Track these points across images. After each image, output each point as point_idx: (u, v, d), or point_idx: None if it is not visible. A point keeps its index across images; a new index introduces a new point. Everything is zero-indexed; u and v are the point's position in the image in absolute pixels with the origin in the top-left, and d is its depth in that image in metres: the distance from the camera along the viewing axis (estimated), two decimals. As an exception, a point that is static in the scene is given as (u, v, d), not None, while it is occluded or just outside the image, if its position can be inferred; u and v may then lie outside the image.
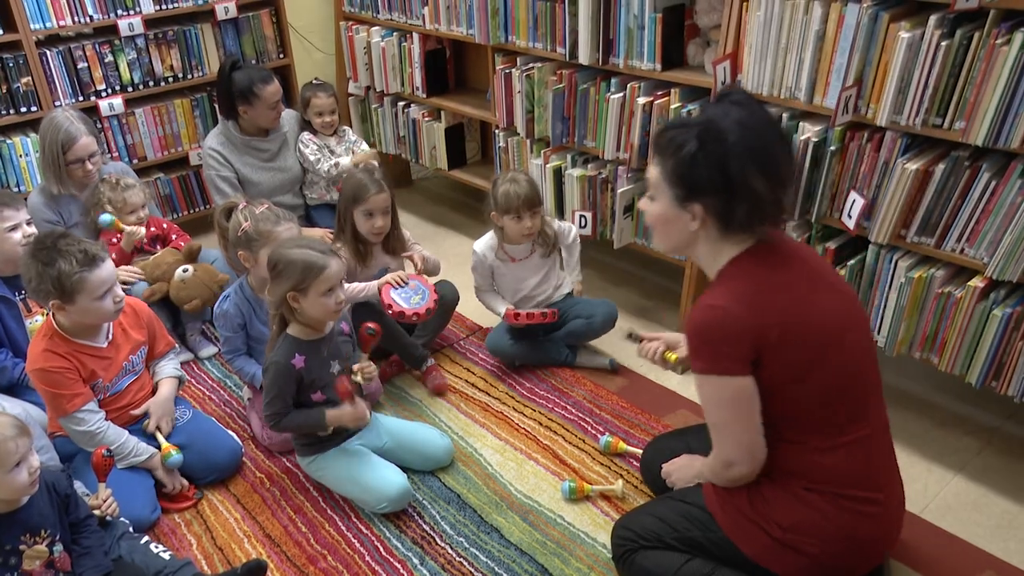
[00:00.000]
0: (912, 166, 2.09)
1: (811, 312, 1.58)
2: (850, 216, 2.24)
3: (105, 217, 2.82)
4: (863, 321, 1.70)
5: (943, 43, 1.96)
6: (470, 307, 2.99)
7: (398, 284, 2.67)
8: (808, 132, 2.29)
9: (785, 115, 2.35)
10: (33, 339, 2.21)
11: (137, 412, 2.33)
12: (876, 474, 1.67)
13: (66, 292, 2.09)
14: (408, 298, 2.65)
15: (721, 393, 1.60)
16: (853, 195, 2.23)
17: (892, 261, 2.24)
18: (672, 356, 2.03)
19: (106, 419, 2.22)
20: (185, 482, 2.32)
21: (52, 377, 2.13)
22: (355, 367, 2.26)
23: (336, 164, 3.32)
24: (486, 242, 2.78)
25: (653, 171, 1.63)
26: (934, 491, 2.22)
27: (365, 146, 3.50)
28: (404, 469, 2.31)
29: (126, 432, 2.24)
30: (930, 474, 2.27)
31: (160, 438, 2.32)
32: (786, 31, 2.25)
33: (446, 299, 2.82)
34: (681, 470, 1.92)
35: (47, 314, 2.59)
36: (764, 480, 1.68)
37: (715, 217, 1.57)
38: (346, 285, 2.63)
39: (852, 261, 2.32)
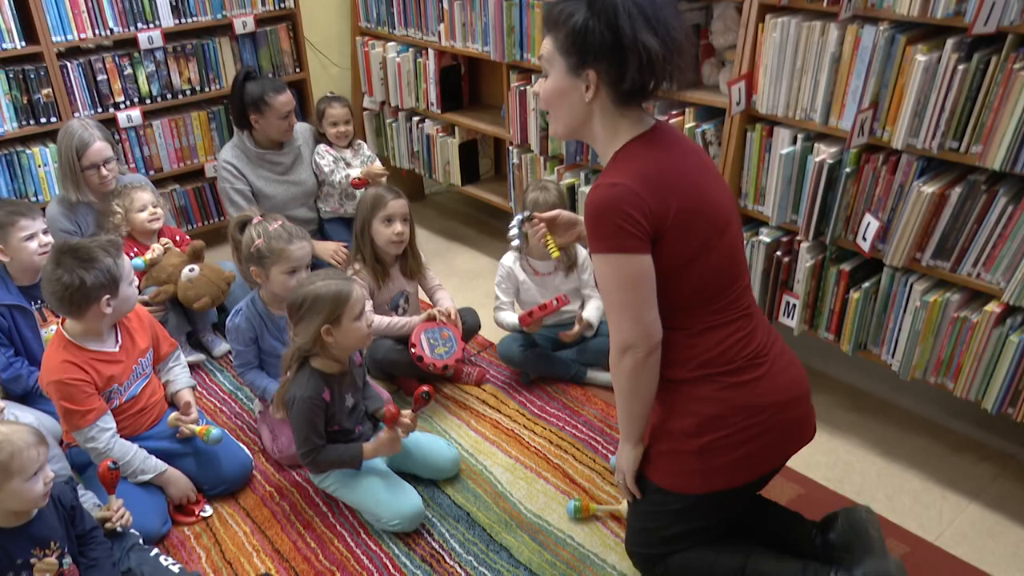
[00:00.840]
0: (928, 189, 2.08)
1: (704, 198, 1.61)
2: (865, 238, 2.23)
3: (137, 261, 2.82)
4: (739, 215, 1.75)
5: (960, 67, 1.95)
6: (483, 320, 2.99)
7: (435, 323, 2.69)
8: (823, 154, 2.28)
9: (800, 136, 2.35)
10: (48, 351, 2.23)
11: (181, 421, 2.36)
12: (762, 348, 1.69)
13: (79, 306, 2.14)
14: (434, 347, 2.66)
15: (622, 271, 1.57)
16: (868, 217, 2.22)
17: (907, 284, 2.22)
18: (555, 252, 2.05)
19: (117, 432, 2.23)
20: (195, 496, 2.32)
21: (68, 390, 2.13)
22: (404, 414, 2.27)
23: (348, 176, 3.34)
24: (513, 254, 2.82)
25: (547, 46, 1.61)
26: (949, 518, 2.19)
27: (379, 163, 3.51)
28: (412, 479, 2.32)
29: (134, 448, 2.24)
30: (945, 501, 2.24)
31: (194, 428, 2.33)
32: (802, 53, 2.25)
33: (467, 324, 2.84)
34: (621, 457, 1.83)
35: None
36: (657, 407, 1.71)
37: (608, 81, 1.56)
38: (385, 319, 2.69)
39: (867, 284, 2.31)
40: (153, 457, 2.27)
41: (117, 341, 2.29)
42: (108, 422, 2.20)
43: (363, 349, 2.41)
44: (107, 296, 2.16)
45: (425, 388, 2.23)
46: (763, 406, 1.67)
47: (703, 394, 1.67)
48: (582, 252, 2.82)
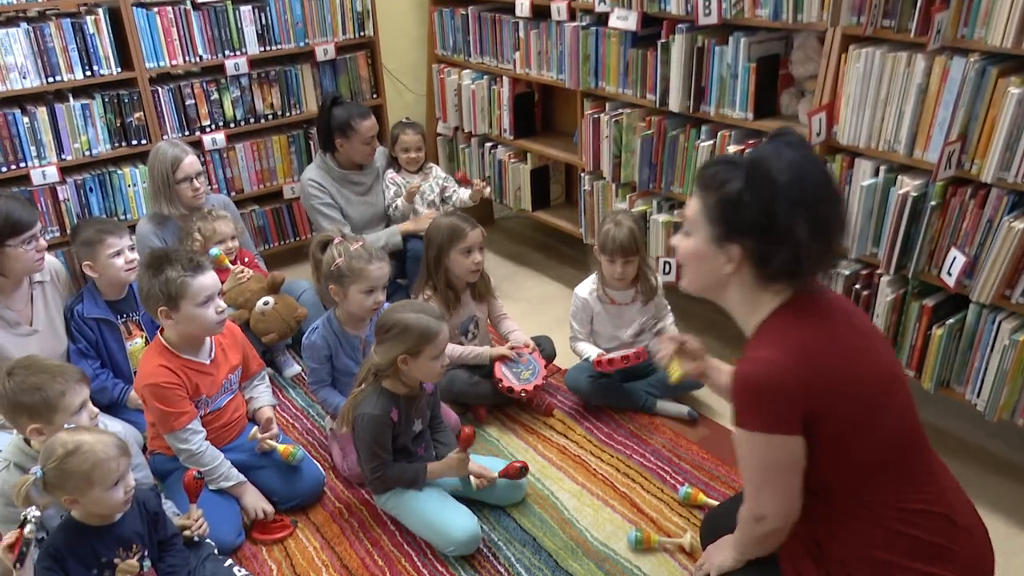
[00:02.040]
0: (1019, 225, 2.02)
1: (863, 368, 1.49)
2: (950, 273, 2.17)
3: (213, 250, 2.95)
4: (904, 376, 1.60)
5: (1055, 99, 1.90)
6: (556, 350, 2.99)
7: (510, 359, 2.75)
8: (907, 186, 2.24)
9: (883, 168, 2.31)
10: (144, 355, 2.33)
11: (260, 437, 2.42)
12: (948, 529, 1.53)
13: (172, 297, 2.22)
14: (518, 373, 2.71)
15: (767, 452, 1.48)
16: (954, 252, 2.16)
17: (995, 322, 2.15)
18: (676, 373, 1.86)
19: (206, 439, 2.30)
20: (270, 509, 2.36)
21: (164, 393, 2.23)
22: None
23: (395, 207, 3.43)
24: (588, 285, 2.81)
25: (693, 205, 1.54)
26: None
27: (456, 188, 3.57)
28: (478, 503, 2.32)
29: (222, 455, 2.32)
30: (1015, 538, 2.15)
31: (275, 444, 2.41)
32: (886, 83, 2.21)
33: (544, 353, 2.87)
34: (719, 552, 1.73)
35: (146, 338, 2.73)
36: (857, 563, 1.54)
37: (752, 261, 1.48)
38: (457, 349, 2.75)
39: (951, 320, 2.24)
40: (235, 468, 2.33)
41: (211, 354, 2.37)
42: (198, 426, 2.28)
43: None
44: (163, 308, 2.24)
45: (520, 464, 2.31)
46: (976, 563, 1.55)
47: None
48: (659, 280, 2.82)
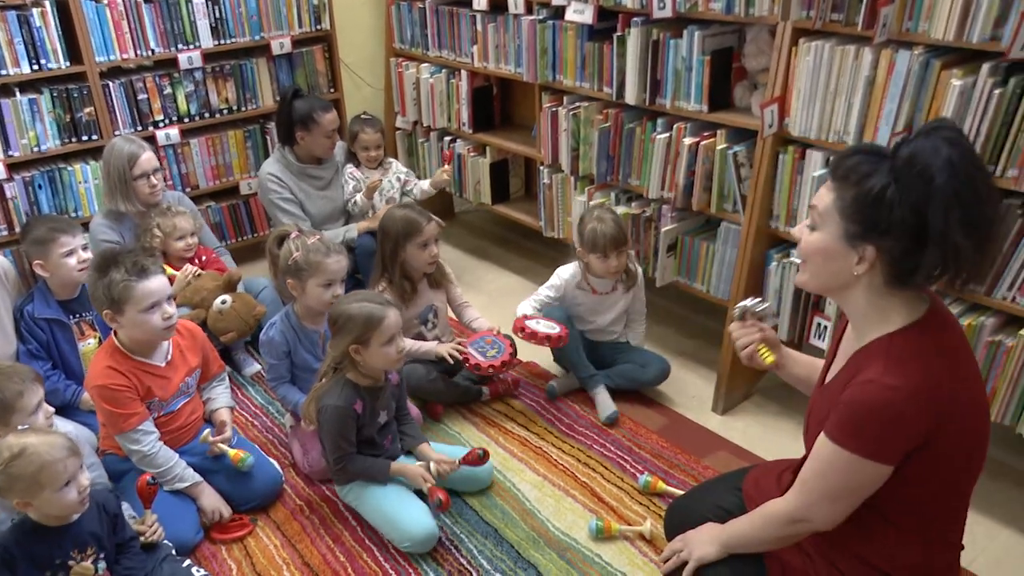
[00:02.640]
0: (963, 213, 2.07)
1: (979, 406, 1.45)
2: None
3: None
4: (989, 420, 1.54)
5: (996, 91, 1.95)
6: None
7: (477, 334, 2.77)
8: (856, 176, 2.28)
9: (833, 159, 2.35)
10: (95, 356, 2.28)
11: (212, 440, 2.37)
12: (956, 556, 1.59)
13: (115, 300, 2.15)
14: (484, 351, 2.71)
15: (855, 473, 1.42)
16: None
17: (941, 307, 2.21)
18: (769, 358, 1.75)
19: (160, 439, 2.27)
20: (228, 510, 2.33)
21: (111, 394, 2.18)
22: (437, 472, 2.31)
23: (355, 203, 3.40)
24: (571, 271, 2.83)
25: (826, 197, 1.43)
26: (983, 544, 2.17)
27: (417, 181, 3.56)
28: (449, 491, 2.34)
29: (176, 456, 2.28)
30: (978, 526, 2.21)
31: (226, 448, 2.36)
32: (835, 76, 2.26)
33: None
34: (701, 544, 1.69)
35: (99, 338, 2.68)
36: (856, 564, 1.55)
37: (888, 265, 1.38)
38: (407, 343, 2.71)
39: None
40: (190, 468, 2.30)
41: (167, 357, 2.32)
42: (150, 427, 2.25)
43: (399, 369, 2.43)
44: (107, 311, 2.19)
45: (480, 451, 2.31)
46: None
47: None
48: (638, 270, 2.84)
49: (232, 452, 2.35)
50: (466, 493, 2.42)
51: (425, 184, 3.52)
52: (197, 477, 2.30)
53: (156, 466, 2.22)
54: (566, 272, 2.83)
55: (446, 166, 3.56)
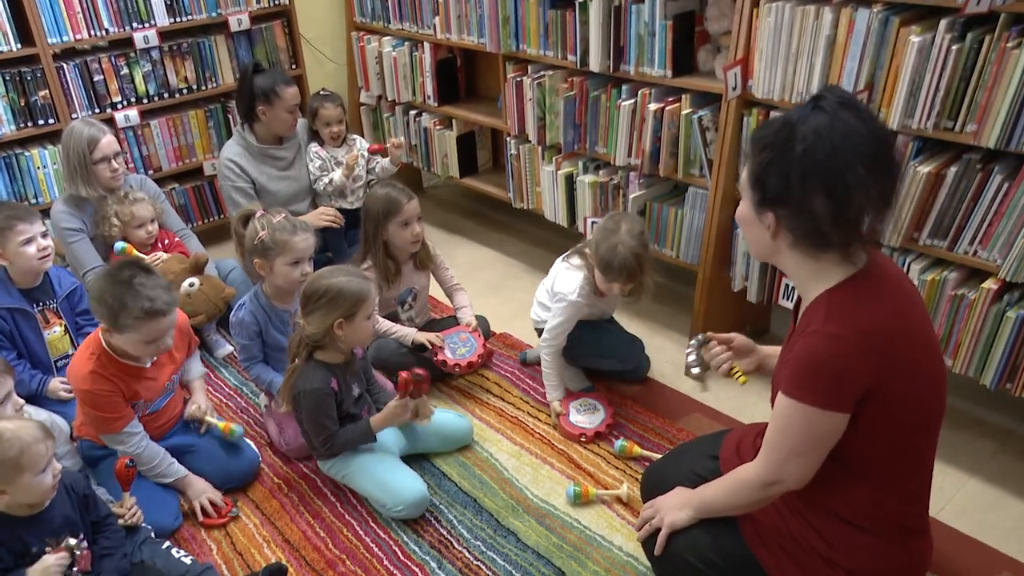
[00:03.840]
0: (924, 169, 2.11)
1: (924, 349, 1.48)
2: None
3: (118, 245, 2.87)
4: (943, 360, 1.58)
5: (954, 47, 1.97)
6: (484, 312, 3.01)
7: (451, 329, 2.76)
8: (819, 136, 2.30)
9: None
10: (78, 355, 2.23)
11: (199, 416, 2.43)
12: (925, 507, 1.64)
13: (118, 325, 2.11)
14: (455, 348, 2.71)
15: (813, 425, 1.45)
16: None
17: (905, 264, 2.25)
18: (742, 378, 1.82)
19: (145, 436, 2.26)
20: (218, 495, 2.31)
21: (96, 399, 2.16)
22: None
23: (330, 181, 3.35)
24: (577, 286, 2.49)
25: (743, 170, 1.49)
26: (949, 493, 2.22)
27: (379, 159, 3.50)
28: (417, 466, 2.36)
29: (162, 452, 2.28)
30: (945, 476, 2.27)
31: (215, 421, 2.41)
32: (796, 37, 2.26)
33: (482, 332, 2.86)
34: (671, 510, 1.71)
35: (65, 326, 2.64)
36: (827, 519, 1.58)
37: (788, 230, 1.43)
38: (384, 324, 2.73)
39: (865, 264, 2.33)
40: (176, 463, 2.29)
41: (152, 358, 2.28)
42: (136, 427, 2.23)
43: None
44: (103, 326, 2.16)
45: (418, 371, 2.26)
46: (919, 570, 1.63)
47: (879, 549, 1.56)
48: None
49: (222, 424, 2.37)
50: (444, 455, 2.45)
51: (385, 162, 3.47)
52: (182, 471, 2.29)
53: (142, 463, 2.22)
54: (574, 294, 2.48)
55: (393, 139, 3.49)
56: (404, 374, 2.24)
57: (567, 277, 2.53)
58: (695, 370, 1.84)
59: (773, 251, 1.51)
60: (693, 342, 1.86)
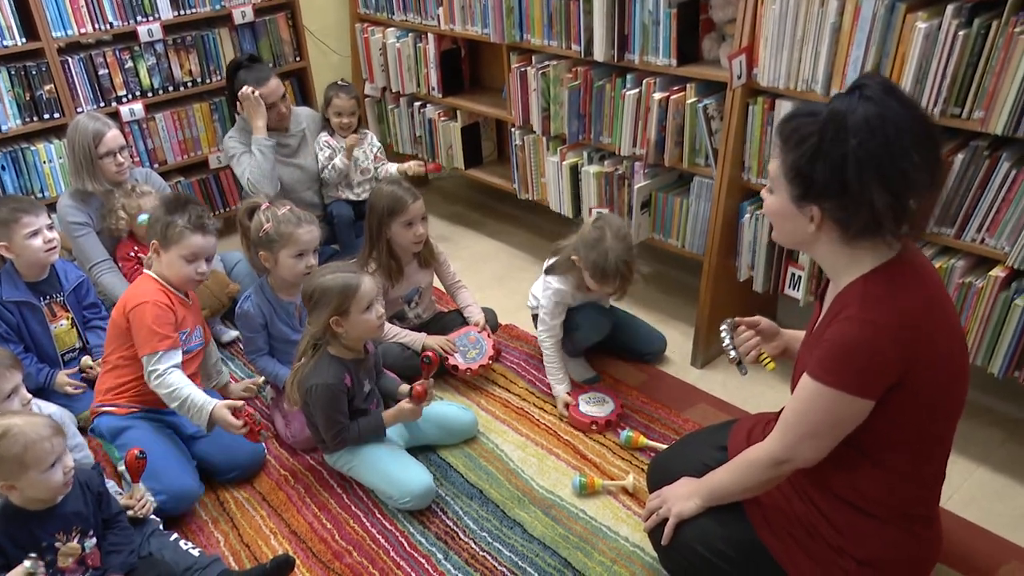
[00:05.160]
0: (931, 156, 2.09)
1: (955, 341, 1.48)
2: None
3: (143, 217, 2.84)
4: (968, 357, 1.60)
5: (960, 33, 1.95)
6: (490, 303, 3.01)
7: (459, 331, 2.77)
8: (825, 124, 2.28)
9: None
10: (135, 282, 2.39)
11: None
12: (936, 496, 1.63)
13: (165, 238, 2.31)
14: (465, 352, 2.72)
15: (837, 409, 1.45)
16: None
17: (912, 252, 2.23)
18: (771, 364, 1.80)
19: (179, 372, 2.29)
20: (240, 403, 2.28)
21: (156, 311, 2.26)
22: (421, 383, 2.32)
23: (333, 167, 3.36)
24: (570, 280, 2.57)
25: (773, 162, 1.48)
26: (957, 482, 2.21)
27: (386, 162, 3.55)
28: (423, 458, 2.37)
29: (191, 390, 2.24)
30: (953, 465, 2.22)
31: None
32: (802, 24, 2.24)
33: (488, 324, 2.87)
34: (679, 500, 1.72)
35: (71, 319, 2.65)
36: (837, 504, 1.58)
37: (834, 222, 1.43)
38: (393, 330, 2.73)
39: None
40: (204, 394, 2.26)
41: (188, 297, 2.44)
42: (177, 356, 2.30)
43: (376, 340, 2.43)
44: (156, 242, 2.36)
45: (428, 354, 2.33)
46: (928, 560, 1.65)
47: (889, 537, 1.57)
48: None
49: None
50: (450, 447, 2.46)
51: (393, 168, 3.46)
52: (209, 403, 2.23)
53: (173, 400, 2.23)
54: (566, 284, 2.57)
55: (420, 162, 3.56)
56: (418, 387, 2.26)
57: (553, 280, 2.60)
58: (733, 352, 1.82)
59: (812, 242, 1.49)
60: (724, 328, 1.84)
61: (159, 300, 2.28)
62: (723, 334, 1.84)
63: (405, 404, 2.29)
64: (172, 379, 2.24)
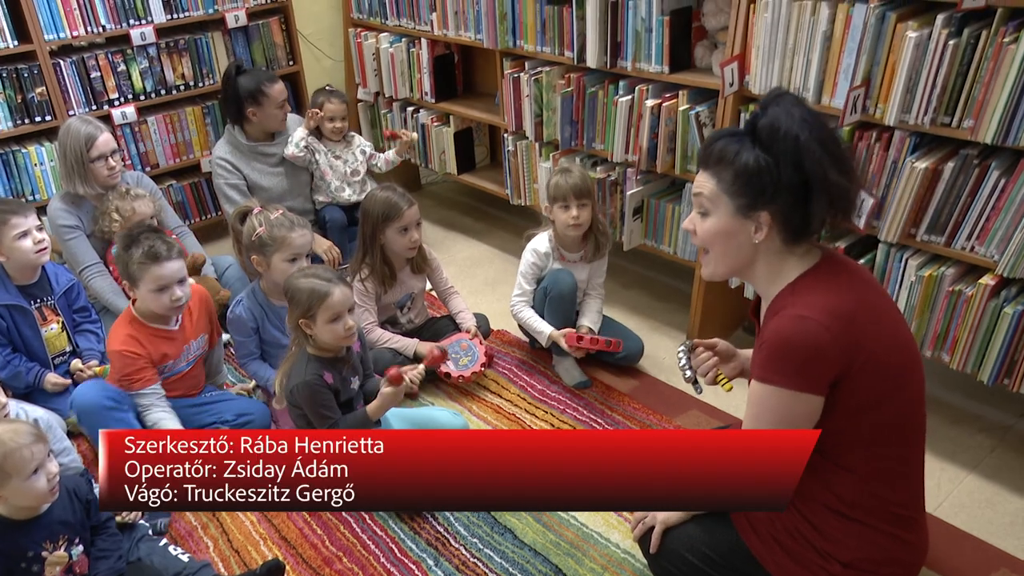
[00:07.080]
0: (921, 165, 2.10)
1: (895, 338, 1.52)
2: (859, 216, 2.25)
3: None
4: (920, 357, 1.62)
5: (951, 42, 1.97)
6: (482, 309, 3.01)
7: (450, 338, 2.76)
8: (817, 132, 2.29)
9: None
10: (117, 323, 2.41)
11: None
12: (917, 497, 1.64)
13: (131, 277, 2.31)
14: (457, 359, 2.71)
15: (788, 409, 1.48)
16: (862, 194, 2.24)
17: (902, 260, 2.24)
18: (727, 385, 1.82)
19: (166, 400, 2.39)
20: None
21: (124, 359, 2.33)
22: (404, 369, 2.30)
23: (385, 160, 3.48)
24: (545, 238, 2.74)
25: (706, 185, 1.53)
26: (947, 489, 2.22)
27: (379, 155, 3.53)
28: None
29: (172, 423, 2.36)
30: (943, 472, 2.27)
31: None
32: (793, 32, 2.26)
33: (480, 330, 2.86)
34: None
35: (62, 323, 2.65)
36: (820, 510, 1.59)
37: (783, 223, 1.49)
38: (385, 336, 2.72)
39: (862, 261, 2.33)
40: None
41: (177, 321, 2.44)
42: (157, 389, 2.38)
43: (369, 345, 2.43)
44: (126, 283, 2.39)
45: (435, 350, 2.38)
46: (914, 563, 1.65)
47: (872, 540, 1.58)
48: (607, 241, 2.77)
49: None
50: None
51: (390, 154, 3.48)
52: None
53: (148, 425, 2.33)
54: (540, 244, 2.74)
55: (404, 130, 3.54)
56: (392, 371, 2.22)
57: (536, 240, 2.77)
58: (688, 372, 1.86)
59: (750, 258, 1.56)
60: (681, 348, 1.88)
61: (125, 349, 2.32)
62: (680, 355, 1.88)
63: (385, 389, 2.25)
64: (154, 416, 2.34)
